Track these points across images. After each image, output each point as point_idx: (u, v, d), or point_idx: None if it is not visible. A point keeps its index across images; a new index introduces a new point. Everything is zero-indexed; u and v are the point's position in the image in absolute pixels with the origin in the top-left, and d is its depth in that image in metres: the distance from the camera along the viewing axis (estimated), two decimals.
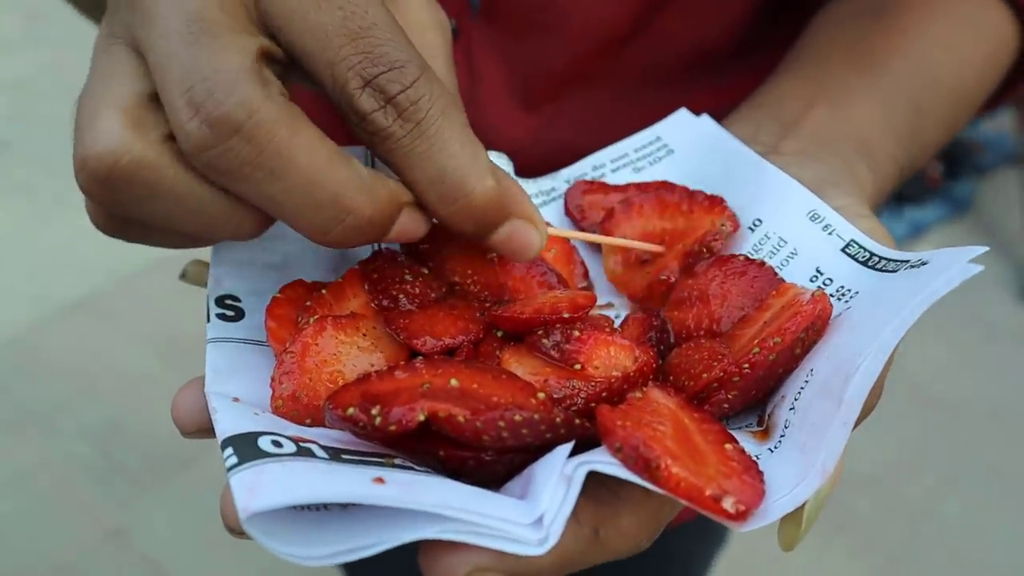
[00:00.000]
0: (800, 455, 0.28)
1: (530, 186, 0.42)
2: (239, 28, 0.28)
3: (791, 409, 0.30)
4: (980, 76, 0.52)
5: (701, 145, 0.41)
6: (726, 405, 0.31)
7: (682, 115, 0.42)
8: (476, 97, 0.57)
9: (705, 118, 0.42)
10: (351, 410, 0.27)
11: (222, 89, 0.26)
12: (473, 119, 0.53)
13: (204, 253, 0.37)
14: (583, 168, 0.43)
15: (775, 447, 0.29)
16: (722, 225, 0.37)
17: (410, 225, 0.31)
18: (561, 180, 0.43)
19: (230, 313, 0.34)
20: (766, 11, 0.59)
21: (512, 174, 0.41)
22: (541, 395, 0.28)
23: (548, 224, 0.34)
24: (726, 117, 0.46)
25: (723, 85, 0.56)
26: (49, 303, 1.92)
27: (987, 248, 0.31)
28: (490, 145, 0.54)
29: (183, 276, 0.40)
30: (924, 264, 0.31)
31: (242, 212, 0.29)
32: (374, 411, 0.26)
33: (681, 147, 0.41)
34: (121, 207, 0.28)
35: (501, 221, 0.32)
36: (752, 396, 0.31)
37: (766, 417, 0.31)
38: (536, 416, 0.27)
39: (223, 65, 0.27)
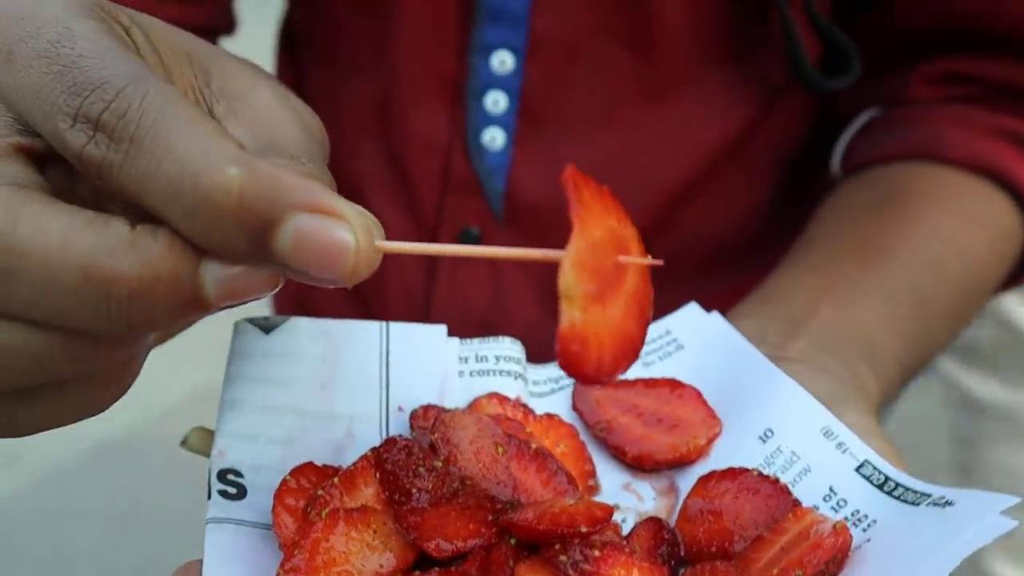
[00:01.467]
0: None
1: (538, 372, 0.42)
2: None
3: None
4: (986, 269, 0.53)
5: (711, 344, 0.42)
6: None
7: (692, 309, 0.43)
8: (502, 305, 0.59)
9: (715, 315, 0.43)
10: None
11: None
12: (499, 326, 0.56)
13: (209, 419, 0.38)
14: None
15: None
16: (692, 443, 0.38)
17: (232, 282, 0.25)
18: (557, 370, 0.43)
19: (232, 490, 0.34)
20: (782, 207, 0.61)
21: (523, 359, 0.42)
22: None
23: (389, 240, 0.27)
24: (733, 308, 0.47)
25: (741, 280, 0.56)
26: (84, 441, 1.94)
27: (1019, 499, 0.31)
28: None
29: (184, 443, 0.38)
30: (950, 504, 0.32)
31: (48, 339, 0.25)
32: None
33: (691, 343, 0.42)
34: None
35: (276, 220, 0.24)
36: None
37: None
38: None
39: None
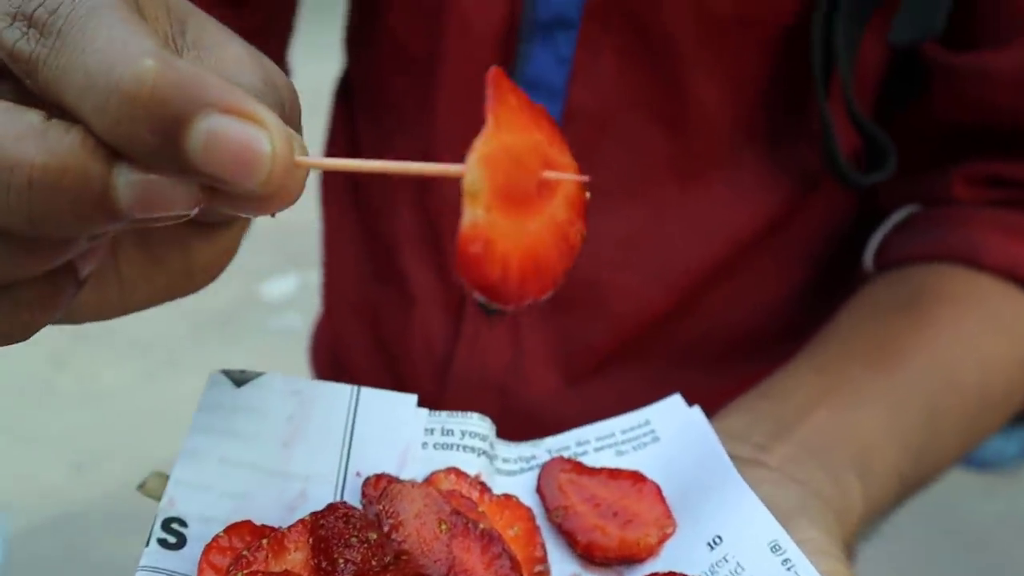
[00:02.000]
0: None
1: (510, 450, 0.41)
2: None
3: None
4: (1010, 380, 0.50)
5: (687, 440, 0.40)
6: None
7: (675, 402, 0.42)
8: (520, 370, 0.58)
9: (696, 411, 0.41)
10: None
11: None
12: (514, 393, 0.58)
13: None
14: (567, 441, 0.43)
15: None
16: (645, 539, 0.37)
17: (147, 189, 0.23)
18: (543, 449, 0.42)
19: (172, 539, 0.33)
20: (814, 299, 0.59)
21: (492, 436, 0.41)
22: None
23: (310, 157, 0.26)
24: (733, 402, 0.46)
25: (763, 370, 0.54)
26: (150, 463, 1.99)
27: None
28: (531, 419, 0.57)
29: (141, 487, 0.38)
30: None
31: None
32: None
33: (667, 437, 0.41)
34: None
35: (188, 116, 0.22)
36: None
37: None
38: None
39: None
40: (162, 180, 0.23)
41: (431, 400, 0.57)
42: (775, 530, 0.34)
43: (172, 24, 0.28)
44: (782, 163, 0.56)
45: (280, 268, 2.66)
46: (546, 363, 0.59)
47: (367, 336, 0.66)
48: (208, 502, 0.35)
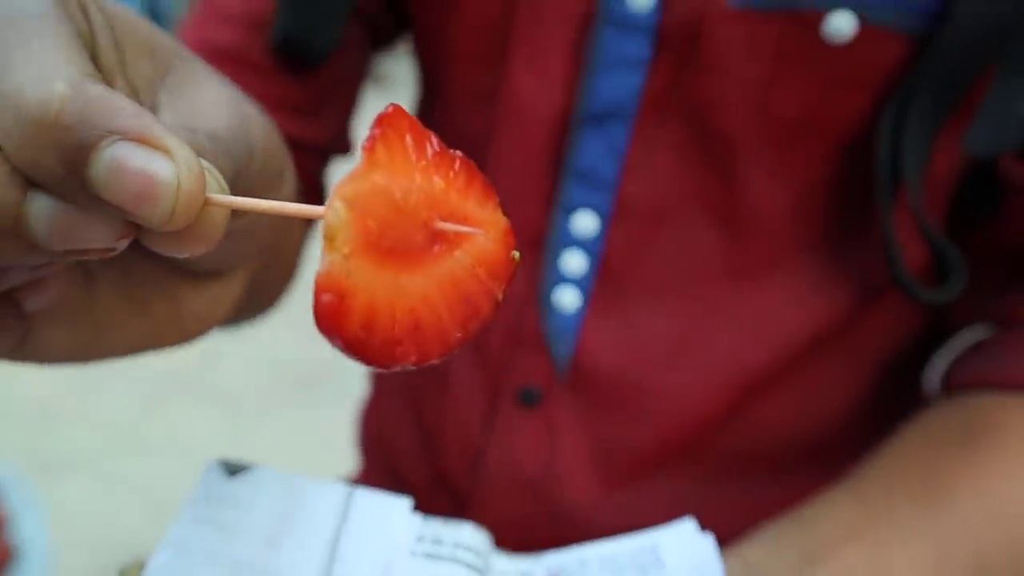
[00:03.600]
0: None
1: (506, 563, 0.40)
2: None
3: None
4: None
5: (692, 571, 0.38)
6: None
7: (687, 527, 0.40)
8: (555, 470, 0.56)
9: (708, 540, 0.39)
10: None
11: None
12: (548, 494, 0.56)
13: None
14: (568, 559, 0.40)
15: None
16: None
17: (64, 219, 0.23)
18: (542, 566, 0.40)
19: None
20: (871, 417, 0.57)
21: (485, 551, 0.39)
22: None
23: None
24: (759, 528, 0.43)
25: (820, 482, 0.51)
26: None
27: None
28: (566, 523, 0.55)
29: (121, 574, 0.38)
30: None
31: None
32: None
33: (673, 565, 0.38)
34: None
35: (93, 143, 0.22)
36: None
37: None
38: None
39: None
40: (77, 211, 0.23)
41: (462, 494, 0.59)
42: None
43: (156, 68, 0.28)
44: (842, 270, 0.54)
45: None
46: (584, 464, 0.57)
47: (409, 418, 0.65)
48: None
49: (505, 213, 0.55)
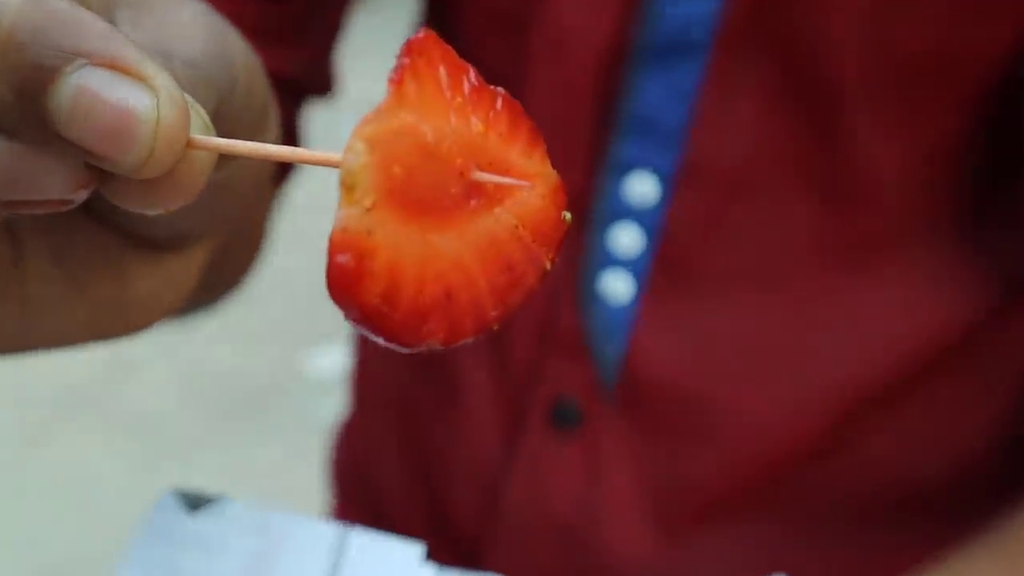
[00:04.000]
0: None
1: None
2: None
3: None
4: None
5: None
6: None
7: None
8: (594, 506, 0.52)
9: None
10: None
11: None
12: (587, 544, 0.52)
13: None
14: None
15: None
16: None
17: (8, 163, 0.20)
18: None
19: None
20: (1016, 440, 0.51)
21: None
22: None
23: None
24: None
25: (957, 532, 0.46)
26: None
27: None
28: None
29: None
30: None
31: None
32: None
33: None
34: None
35: (55, 67, 0.19)
36: None
37: None
38: None
39: None
40: (28, 151, 0.21)
41: (470, 542, 0.54)
42: None
43: None
44: (981, 255, 0.48)
45: (330, 335, 2.34)
46: (633, 506, 0.51)
47: (400, 446, 0.59)
48: None
49: None
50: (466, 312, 0.22)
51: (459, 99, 0.22)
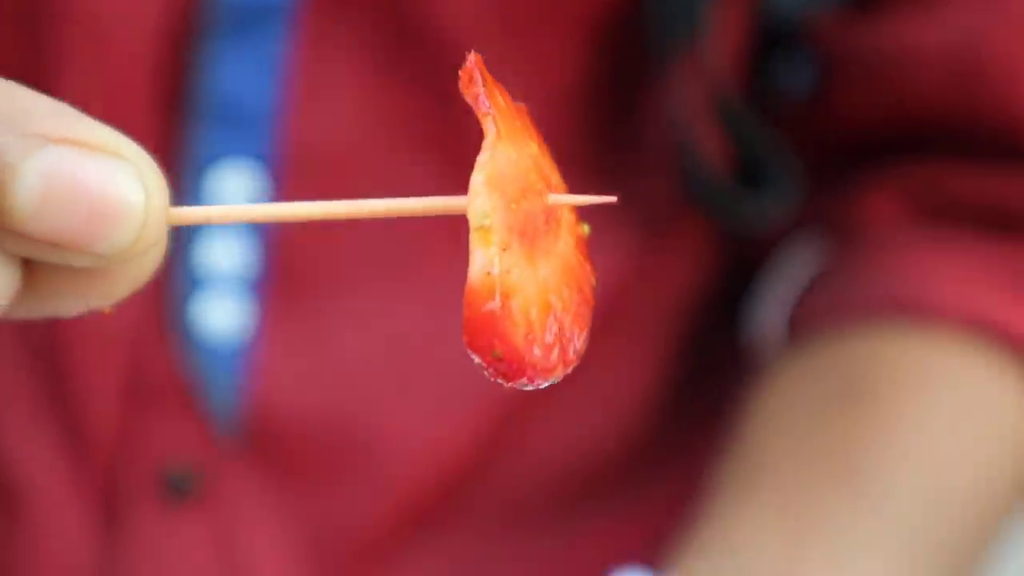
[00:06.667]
0: None
1: None
2: None
3: None
4: (1006, 481, 0.47)
5: None
6: None
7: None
8: None
9: None
10: None
11: None
12: None
13: None
14: None
15: None
16: None
17: None
18: None
19: None
20: (674, 399, 0.53)
21: None
22: None
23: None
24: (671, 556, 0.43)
25: (625, 514, 0.50)
26: None
27: None
28: None
29: None
30: None
31: None
32: None
33: None
34: None
35: (16, 157, 0.18)
36: None
37: None
38: None
39: None
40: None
41: None
42: None
43: None
44: (618, 207, 0.45)
45: None
46: (285, 566, 0.47)
47: None
48: None
49: None
50: (569, 339, 0.23)
51: (519, 122, 0.23)
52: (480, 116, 0.21)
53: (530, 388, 0.22)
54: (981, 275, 0.47)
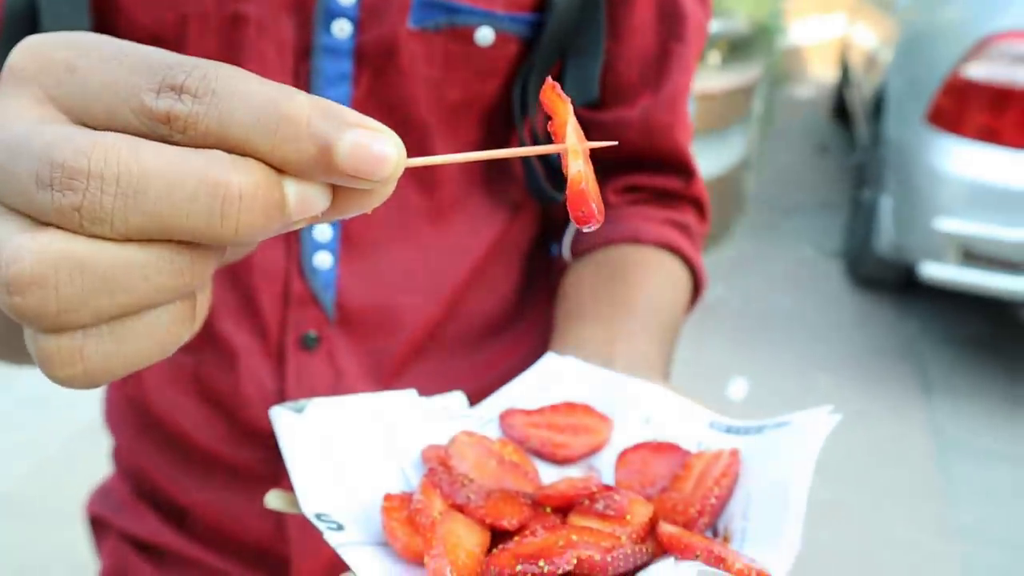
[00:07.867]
0: (767, 545, 0.40)
1: (473, 413, 0.56)
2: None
3: (743, 519, 0.43)
4: (679, 304, 0.76)
5: (580, 375, 0.57)
6: (704, 524, 0.44)
7: (559, 361, 0.59)
8: (341, 388, 0.69)
9: (570, 359, 0.59)
10: (519, 567, 0.38)
11: (62, 148, 0.28)
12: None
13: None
14: (498, 402, 0.57)
15: (739, 547, 0.42)
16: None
17: (304, 195, 0.30)
18: (484, 411, 0.56)
19: (333, 525, 0.43)
20: (526, 290, 0.79)
21: (466, 406, 0.55)
22: (625, 536, 0.41)
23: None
24: (564, 335, 0.68)
25: (504, 347, 0.76)
26: None
27: (838, 416, 0.42)
28: None
29: (268, 502, 0.47)
30: (786, 424, 0.46)
31: (159, 254, 0.29)
32: (541, 563, 0.38)
33: (566, 376, 0.58)
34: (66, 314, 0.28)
35: (337, 134, 0.29)
36: (714, 519, 0.45)
37: (721, 530, 0.45)
38: (635, 548, 0.40)
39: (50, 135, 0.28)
40: (313, 185, 0.30)
41: (266, 437, 0.70)
42: (681, 401, 0.53)
43: None
44: (497, 199, 0.76)
45: None
46: (360, 377, 0.72)
47: (190, 393, 0.73)
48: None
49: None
50: (600, 208, 0.32)
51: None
52: (562, 106, 0.31)
53: (590, 229, 0.32)
54: (664, 223, 0.75)
